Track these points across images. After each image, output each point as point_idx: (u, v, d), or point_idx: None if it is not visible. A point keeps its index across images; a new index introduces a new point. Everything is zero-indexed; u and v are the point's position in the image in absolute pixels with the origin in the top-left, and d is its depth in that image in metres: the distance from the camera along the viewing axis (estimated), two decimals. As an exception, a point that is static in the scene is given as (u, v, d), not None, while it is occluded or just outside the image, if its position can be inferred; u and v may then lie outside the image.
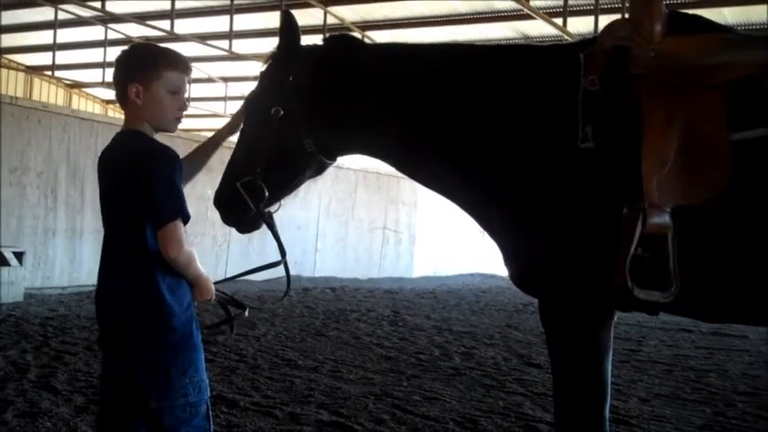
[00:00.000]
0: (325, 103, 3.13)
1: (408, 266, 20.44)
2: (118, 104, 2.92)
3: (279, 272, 3.32)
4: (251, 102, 3.25)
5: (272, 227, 3.20)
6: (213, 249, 14.15)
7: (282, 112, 3.12)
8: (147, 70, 2.76)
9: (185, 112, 2.90)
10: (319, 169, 3.30)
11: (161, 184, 2.65)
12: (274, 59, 3.26)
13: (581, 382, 2.72)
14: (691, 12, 2.88)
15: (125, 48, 2.93)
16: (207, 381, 2.80)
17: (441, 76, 3.02)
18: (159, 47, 2.97)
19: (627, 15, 2.90)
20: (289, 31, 3.22)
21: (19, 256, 10.76)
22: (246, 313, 3.08)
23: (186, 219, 2.71)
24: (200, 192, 11.51)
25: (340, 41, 3.29)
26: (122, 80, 2.79)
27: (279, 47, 3.24)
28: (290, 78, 3.15)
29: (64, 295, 11.49)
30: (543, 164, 2.73)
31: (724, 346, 9.16)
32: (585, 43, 2.82)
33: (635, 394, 6.27)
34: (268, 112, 3.14)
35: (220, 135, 3.27)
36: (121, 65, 2.83)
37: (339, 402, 5.64)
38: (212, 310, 3.09)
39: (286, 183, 3.25)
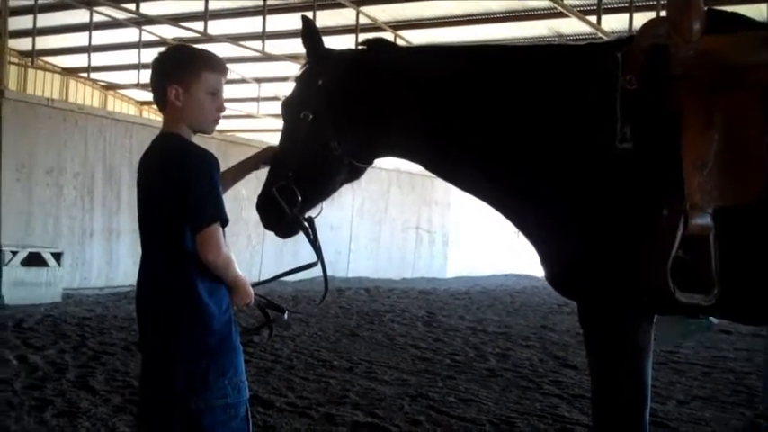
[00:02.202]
0: (354, 106, 3.12)
1: (442, 267, 20.38)
2: (155, 106, 2.92)
3: (312, 272, 3.32)
4: (285, 107, 3.26)
5: (307, 232, 3.20)
6: (248, 249, 14.21)
7: (312, 117, 3.12)
8: (185, 72, 2.76)
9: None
10: (353, 173, 3.29)
11: (200, 187, 2.66)
12: (306, 64, 3.26)
13: (620, 385, 2.69)
14: (729, 9, 2.84)
15: (161, 50, 2.94)
16: (246, 382, 2.81)
17: (473, 78, 2.99)
18: (196, 48, 2.98)
19: (663, 12, 2.86)
20: (309, 35, 3.22)
21: (57, 256, 10.88)
22: (285, 316, 3.09)
23: (225, 222, 2.72)
24: (235, 191, 11.51)
25: (370, 44, 3.29)
26: (161, 83, 2.79)
27: (307, 52, 3.25)
28: (320, 82, 3.15)
29: (101, 296, 11.60)
30: (580, 164, 2.70)
31: (763, 347, 9.02)
32: (622, 42, 2.78)
33: (673, 396, 6.20)
34: (299, 117, 3.15)
35: (245, 167, 3.26)
36: (159, 67, 2.84)
37: (374, 403, 5.64)
38: (247, 311, 3.09)
39: (319, 187, 3.24)
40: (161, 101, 2.81)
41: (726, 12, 2.78)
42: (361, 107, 3.12)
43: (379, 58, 3.21)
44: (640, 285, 2.55)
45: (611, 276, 2.64)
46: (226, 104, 2.92)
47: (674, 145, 2.47)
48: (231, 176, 3.17)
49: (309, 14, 14.40)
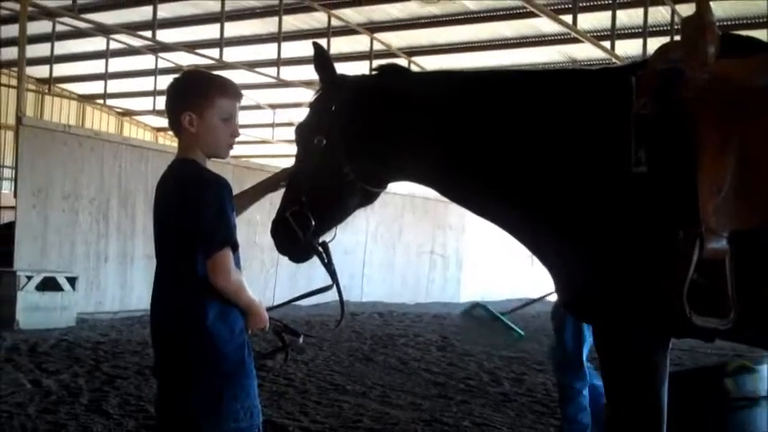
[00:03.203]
0: (367, 131, 3.13)
1: (456, 291, 20.30)
2: (171, 132, 2.95)
3: (326, 297, 3.32)
4: (299, 132, 3.27)
5: (321, 256, 3.21)
6: (261, 273, 14.21)
7: (325, 142, 3.13)
8: (199, 98, 2.77)
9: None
10: (366, 198, 3.28)
11: (210, 212, 2.67)
12: (319, 90, 3.28)
13: (636, 409, 2.67)
14: (744, 33, 2.84)
15: (176, 76, 2.96)
16: (259, 407, 2.80)
17: (485, 102, 2.98)
18: (210, 74, 3.00)
19: (677, 37, 2.86)
20: (321, 61, 3.23)
21: (72, 281, 10.92)
22: (301, 340, 3.08)
23: (235, 247, 2.72)
24: (249, 216, 11.54)
25: (383, 70, 3.30)
26: (175, 109, 2.81)
27: (320, 78, 3.26)
28: (332, 108, 3.17)
29: (115, 320, 11.61)
30: (595, 188, 2.69)
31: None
32: (636, 66, 2.78)
33: (689, 422, 6.13)
34: (312, 142, 3.16)
35: (262, 187, 3.28)
36: (174, 94, 2.86)
37: (388, 428, 5.61)
38: (260, 335, 3.09)
39: (332, 212, 3.24)
40: (176, 127, 2.82)
41: (741, 36, 2.78)
42: (374, 132, 3.13)
43: (391, 82, 3.22)
44: (656, 309, 2.54)
45: (627, 300, 2.63)
46: (240, 130, 2.93)
47: (689, 168, 2.45)
48: (249, 197, 3.18)
49: (324, 41, 14.50)
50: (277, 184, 3.28)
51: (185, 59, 18.20)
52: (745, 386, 4.02)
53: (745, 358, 4.17)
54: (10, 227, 11.62)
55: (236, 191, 2.83)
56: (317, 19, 16.01)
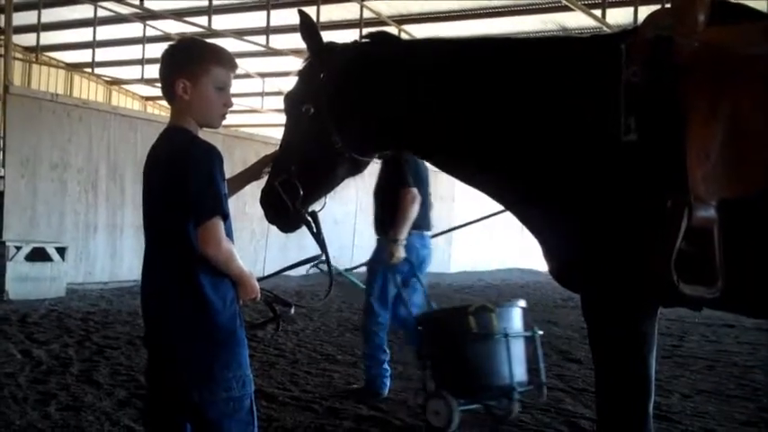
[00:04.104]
0: (355, 99, 3.11)
1: (446, 262, 20.34)
2: (160, 101, 2.92)
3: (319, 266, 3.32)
4: (288, 101, 3.25)
5: (310, 226, 3.20)
6: (252, 243, 14.20)
7: (313, 110, 3.11)
8: (194, 66, 2.74)
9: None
10: (355, 167, 3.27)
11: (200, 181, 2.65)
12: (308, 57, 3.25)
13: (624, 379, 2.69)
14: (734, 0, 2.82)
15: (171, 43, 2.93)
16: (250, 376, 2.80)
17: (475, 71, 2.96)
18: (205, 42, 2.96)
19: (667, 5, 2.84)
20: (306, 29, 3.20)
21: (61, 251, 10.89)
22: (292, 311, 3.08)
23: (225, 216, 2.71)
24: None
25: (373, 38, 3.27)
26: (169, 76, 2.78)
27: (307, 46, 3.24)
28: (321, 76, 3.15)
29: (105, 290, 11.61)
30: (584, 156, 2.68)
31: (767, 340, 9.01)
32: (626, 34, 2.76)
33: (677, 390, 6.19)
34: (300, 111, 3.14)
35: (238, 181, 3.22)
36: (168, 60, 2.83)
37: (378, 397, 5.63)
38: (251, 305, 3.09)
39: (320, 181, 3.23)
40: (169, 94, 2.79)
41: (731, 3, 2.76)
42: (363, 100, 3.11)
43: (380, 50, 3.20)
44: (644, 277, 2.54)
45: (615, 268, 2.63)
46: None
47: (678, 136, 2.45)
48: (232, 187, 3.13)
49: (313, 9, 14.41)
50: (260, 172, 3.26)
51: (174, 27, 18.02)
52: (483, 323, 4.91)
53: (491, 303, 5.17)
54: (-2, 197, 11.57)
55: (225, 160, 2.81)
56: (307, -14, 15.88)
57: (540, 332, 5.21)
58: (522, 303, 5.24)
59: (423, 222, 5.83)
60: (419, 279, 5.81)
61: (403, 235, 5.54)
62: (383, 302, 5.75)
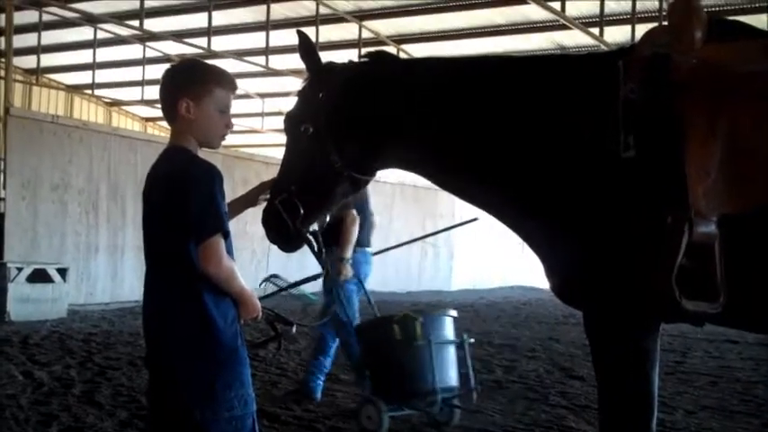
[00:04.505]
0: (354, 118, 3.12)
1: (447, 280, 20.34)
2: (160, 122, 2.94)
3: (319, 285, 3.32)
4: (287, 121, 3.26)
5: (311, 245, 3.20)
6: (252, 263, 14.20)
7: (312, 130, 3.12)
8: (197, 87, 2.76)
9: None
10: (355, 185, 3.27)
11: (201, 200, 2.66)
12: (307, 77, 3.27)
13: (627, 395, 2.68)
14: (731, 18, 2.84)
15: (172, 63, 2.94)
16: (253, 395, 2.80)
17: (474, 89, 2.97)
18: (207, 64, 2.98)
19: (665, 23, 2.86)
20: (305, 49, 3.22)
21: (62, 272, 10.89)
22: (294, 330, 3.08)
23: (226, 234, 2.72)
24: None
25: (372, 57, 3.29)
26: (172, 95, 2.79)
27: (306, 66, 3.25)
28: (320, 95, 3.16)
29: (106, 311, 11.60)
30: (584, 173, 2.69)
31: (770, 356, 8.99)
32: (624, 51, 2.78)
33: (680, 406, 6.17)
34: (300, 130, 3.15)
35: (235, 207, 3.19)
36: (171, 80, 2.84)
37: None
38: (252, 324, 3.09)
39: (320, 200, 3.23)
40: (171, 114, 2.80)
41: (728, 20, 2.78)
42: (361, 119, 3.12)
43: (379, 69, 3.22)
44: (645, 293, 2.55)
45: (616, 285, 2.63)
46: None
47: (677, 153, 2.46)
48: (234, 207, 3.13)
49: (312, 29, 14.46)
50: (257, 199, 3.26)
51: (173, 48, 18.10)
52: (407, 330, 5.16)
53: (417, 312, 5.47)
54: (-1, 219, 11.59)
55: (225, 181, 2.81)
56: (306, 7, 15.92)
57: (471, 340, 5.55)
58: (453, 313, 5.55)
59: (364, 240, 6.31)
60: (365, 291, 6.22)
61: (348, 254, 6.00)
62: (350, 313, 5.96)
